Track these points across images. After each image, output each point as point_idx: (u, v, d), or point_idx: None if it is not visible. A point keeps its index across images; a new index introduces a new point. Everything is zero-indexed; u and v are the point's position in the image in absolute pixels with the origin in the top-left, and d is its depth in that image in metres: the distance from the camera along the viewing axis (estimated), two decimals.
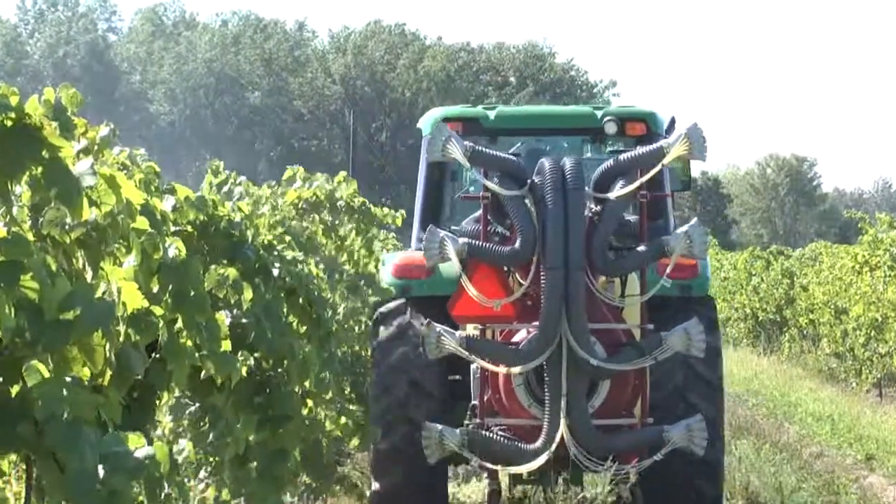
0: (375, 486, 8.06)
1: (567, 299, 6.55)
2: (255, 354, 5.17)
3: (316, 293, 6.47)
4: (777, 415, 15.94)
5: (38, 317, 2.97)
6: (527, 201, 6.76)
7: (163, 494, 3.23)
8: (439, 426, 6.86)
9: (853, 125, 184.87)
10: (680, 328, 6.74)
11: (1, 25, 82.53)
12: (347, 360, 9.62)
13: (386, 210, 10.78)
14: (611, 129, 8.21)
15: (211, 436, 5.07)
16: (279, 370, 5.42)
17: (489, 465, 6.95)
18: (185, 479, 5.30)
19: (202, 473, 5.38)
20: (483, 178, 6.91)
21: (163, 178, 4.79)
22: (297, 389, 5.68)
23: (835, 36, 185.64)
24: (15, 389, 2.98)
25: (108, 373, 3.28)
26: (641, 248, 6.88)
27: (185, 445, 5.03)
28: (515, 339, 6.98)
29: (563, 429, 6.57)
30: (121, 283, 3.37)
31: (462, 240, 6.80)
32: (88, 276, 3.47)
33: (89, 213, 3.37)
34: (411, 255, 8.13)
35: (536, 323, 6.66)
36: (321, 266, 7.81)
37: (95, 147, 4.19)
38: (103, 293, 3.30)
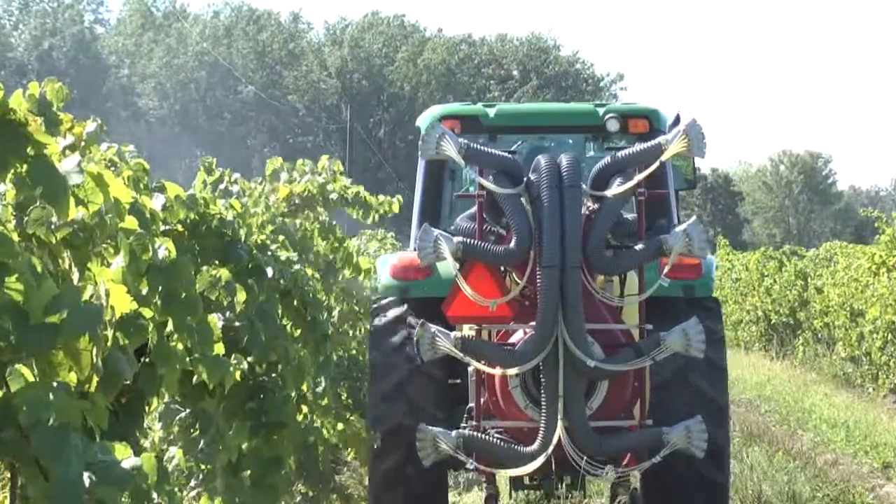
0: (374, 495, 8.08)
1: (564, 299, 6.61)
2: (249, 358, 5.17)
3: (311, 295, 6.48)
4: (790, 421, 15.94)
5: (22, 320, 2.97)
6: (523, 199, 6.82)
7: None
8: (434, 428, 6.91)
9: (869, 120, 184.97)
10: (679, 328, 6.80)
11: None
12: (344, 363, 9.64)
13: (382, 198, 10.80)
14: (613, 126, 8.27)
15: (202, 443, 5.07)
16: (273, 375, 5.43)
17: (486, 469, 7.02)
18: (176, 489, 5.31)
19: (193, 482, 5.38)
20: (478, 176, 6.96)
21: (152, 176, 4.80)
22: (292, 395, 5.69)
23: (850, 28, 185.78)
24: None
25: (95, 378, 3.28)
26: (639, 246, 6.94)
27: (175, 453, 5.03)
28: (512, 339, 7.04)
29: (560, 431, 6.63)
30: (109, 285, 3.37)
31: (457, 239, 6.85)
32: (75, 277, 3.47)
33: (76, 213, 3.38)
34: (409, 256, 8.15)
35: (533, 323, 6.71)
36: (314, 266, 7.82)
37: (82, 143, 4.20)
38: (91, 296, 3.31)
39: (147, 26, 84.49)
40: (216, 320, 4.37)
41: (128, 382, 3.62)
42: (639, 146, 7.03)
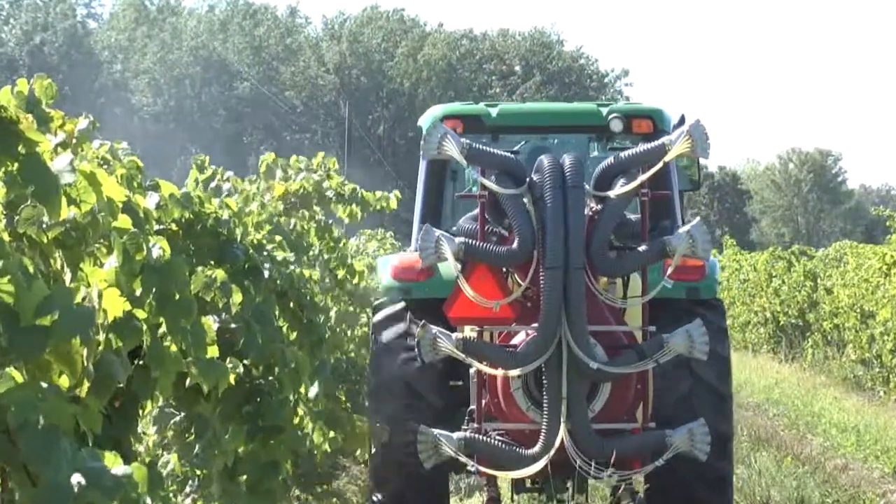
0: (374, 497, 8.11)
1: (567, 300, 6.68)
2: (245, 361, 5.17)
3: (308, 297, 6.49)
4: (799, 425, 15.94)
5: (13, 322, 2.96)
6: (525, 200, 6.88)
7: None
8: (435, 430, 6.96)
9: (880, 118, 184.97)
10: (682, 330, 6.88)
11: None
12: (342, 366, 9.64)
13: (380, 193, 10.81)
14: (616, 126, 8.32)
15: (197, 447, 5.07)
16: (270, 378, 5.43)
17: (487, 471, 7.07)
18: (171, 494, 5.31)
19: (189, 488, 5.39)
20: (480, 177, 7.01)
21: (146, 174, 4.79)
22: (289, 398, 5.69)
23: (860, 23, 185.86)
24: None
25: (87, 382, 3.28)
26: (642, 247, 7.00)
27: (169, 458, 5.03)
28: (514, 341, 7.10)
29: (562, 433, 6.68)
30: (102, 286, 3.37)
31: (459, 239, 6.92)
32: (67, 277, 3.47)
33: (68, 212, 3.38)
34: (410, 257, 8.18)
35: (535, 325, 6.77)
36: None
37: (74, 141, 4.20)
38: (83, 298, 3.31)
39: (141, 21, 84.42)
40: (211, 322, 4.37)
41: (121, 385, 3.62)
42: (642, 146, 7.10)
